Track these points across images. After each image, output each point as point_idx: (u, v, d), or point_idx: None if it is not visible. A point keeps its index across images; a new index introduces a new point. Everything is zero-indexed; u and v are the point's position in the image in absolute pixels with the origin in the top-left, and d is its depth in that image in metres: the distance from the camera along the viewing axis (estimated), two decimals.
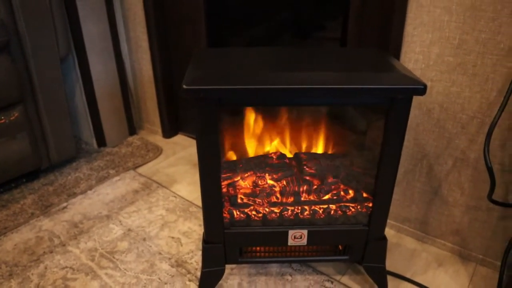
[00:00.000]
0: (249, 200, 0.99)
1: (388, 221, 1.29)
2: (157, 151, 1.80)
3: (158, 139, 1.92)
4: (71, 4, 1.53)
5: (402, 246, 1.25)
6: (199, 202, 1.46)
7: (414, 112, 1.12)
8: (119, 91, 1.81)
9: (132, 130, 1.93)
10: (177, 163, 1.72)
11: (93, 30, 1.63)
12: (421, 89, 0.79)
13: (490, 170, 0.91)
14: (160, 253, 1.24)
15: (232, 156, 1.07)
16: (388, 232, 1.29)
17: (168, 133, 1.91)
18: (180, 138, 1.93)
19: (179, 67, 1.78)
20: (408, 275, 1.14)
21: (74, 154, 1.69)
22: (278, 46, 1.58)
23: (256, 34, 1.65)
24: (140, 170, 1.68)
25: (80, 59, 1.64)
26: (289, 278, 1.14)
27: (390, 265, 1.17)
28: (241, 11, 1.64)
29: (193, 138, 1.90)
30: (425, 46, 1.05)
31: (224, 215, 0.96)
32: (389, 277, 1.12)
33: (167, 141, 1.91)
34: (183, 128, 1.94)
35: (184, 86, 0.74)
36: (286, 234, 0.98)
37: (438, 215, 1.20)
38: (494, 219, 1.11)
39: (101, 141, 1.82)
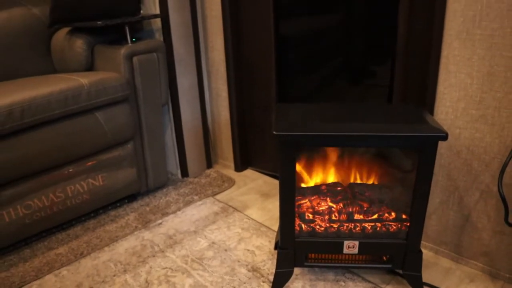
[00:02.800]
0: (314, 217, 1.30)
1: (427, 244, 1.55)
2: (231, 182, 2.16)
3: (230, 172, 2.27)
4: (171, 64, 1.96)
5: (439, 265, 1.49)
6: (268, 223, 1.78)
7: (446, 153, 1.40)
8: (201, 131, 2.20)
9: (209, 164, 2.30)
10: (248, 193, 2.06)
11: (185, 83, 2.05)
12: (444, 136, 1.08)
13: (503, 198, 1.17)
14: (238, 261, 1.56)
15: (302, 183, 1.39)
16: (427, 253, 1.54)
17: (240, 167, 2.26)
18: (249, 172, 2.27)
19: (251, 113, 2.15)
20: None
21: (165, 182, 2.08)
22: (333, 91, 1.86)
23: (313, 81, 1.91)
24: (217, 197, 2.03)
25: (174, 105, 2.06)
26: (343, 284, 1.42)
27: (428, 279, 1.42)
28: (301, 61, 1.91)
29: (260, 172, 2.25)
30: (453, 102, 1.34)
31: (295, 227, 1.28)
32: None
33: (239, 174, 2.26)
34: (252, 163, 2.28)
35: (274, 132, 1.09)
36: (342, 244, 1.27)
37: (469, 238, 1.44)
38: None
39: (185, 172, 2.21)
